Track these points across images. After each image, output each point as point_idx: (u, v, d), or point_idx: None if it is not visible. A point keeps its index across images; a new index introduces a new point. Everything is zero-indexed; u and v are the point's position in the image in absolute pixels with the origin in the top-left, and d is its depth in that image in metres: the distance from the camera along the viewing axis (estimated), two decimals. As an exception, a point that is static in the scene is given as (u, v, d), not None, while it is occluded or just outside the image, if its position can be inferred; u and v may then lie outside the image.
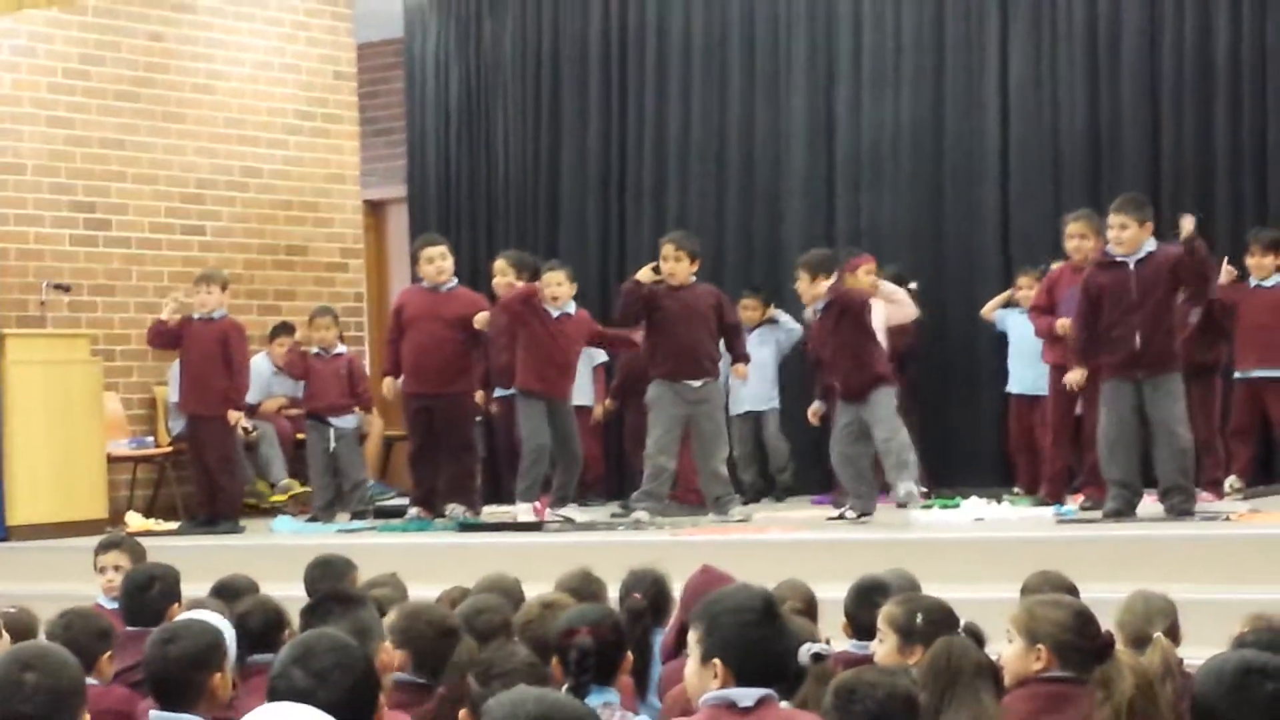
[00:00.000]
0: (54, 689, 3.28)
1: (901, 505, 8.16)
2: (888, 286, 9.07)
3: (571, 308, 8.97)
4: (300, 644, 3.07)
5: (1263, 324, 8.56)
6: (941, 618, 4.05)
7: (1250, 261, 8.73)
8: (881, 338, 8.65)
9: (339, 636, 3.09)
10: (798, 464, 10.10)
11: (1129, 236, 7.45)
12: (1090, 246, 8.22)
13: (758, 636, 3.41)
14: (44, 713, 3.25)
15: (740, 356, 8.95)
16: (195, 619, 4.01)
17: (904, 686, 3.08)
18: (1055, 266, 8.75)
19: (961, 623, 3.84)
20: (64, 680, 3.32)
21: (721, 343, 8.85)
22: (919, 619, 4.07)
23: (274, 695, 2.88)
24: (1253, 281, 8.73)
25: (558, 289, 8.85)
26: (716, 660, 3.41)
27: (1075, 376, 7.86)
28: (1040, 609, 3.83)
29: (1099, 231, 8.20)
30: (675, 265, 8.60)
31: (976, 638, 3.85)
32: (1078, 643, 3.72)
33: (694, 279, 8.69)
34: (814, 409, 9.23)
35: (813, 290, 8.39)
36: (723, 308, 8.79)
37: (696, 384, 8.56)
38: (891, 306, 8.95)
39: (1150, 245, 7.50)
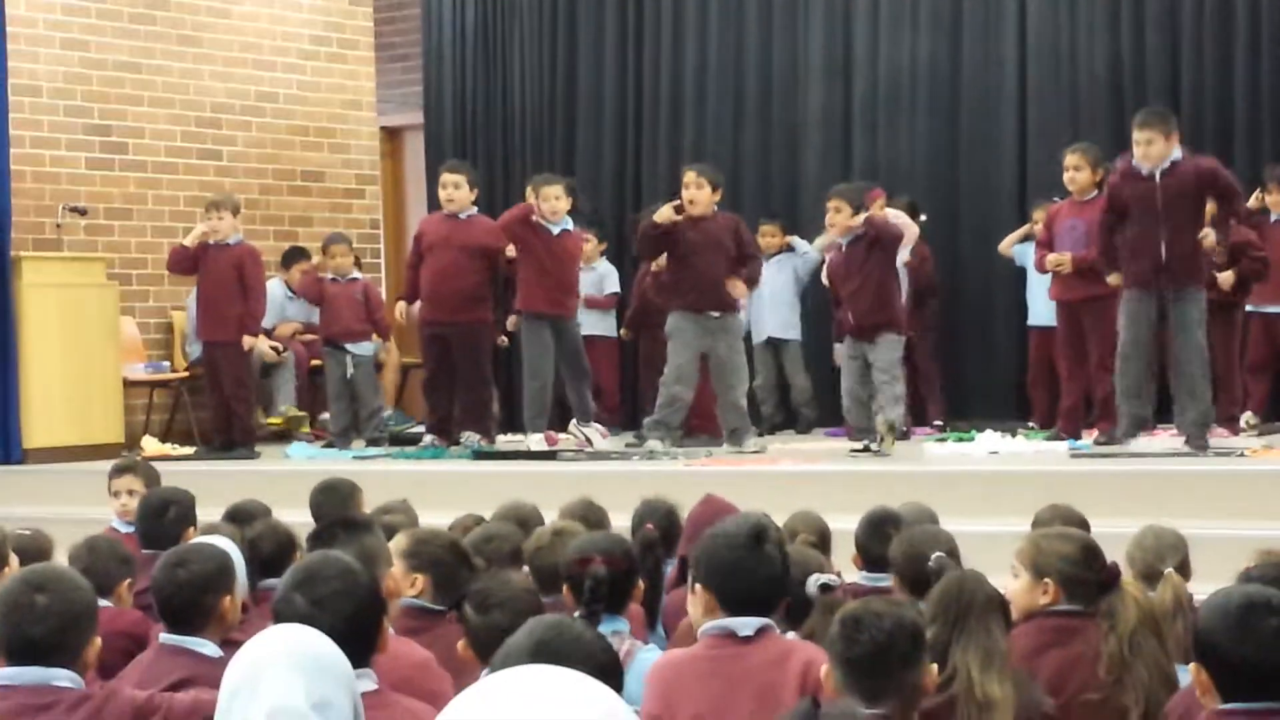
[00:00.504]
0: (65, 612, 3.29)
1: (884, 430, 8.01)
2: (891, 212, 9.07)
3: (570, 223, 8.87)
4: (303, 569, 3.07)
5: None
6: (915, 551, 4.04)
7: (1269, 200, 8.67)
8: (902, 273, 8.61)
9: (342, 561, 3.09)
10: (817, 398, 10.08)
11: (1156, 152, 7.34)
12: (1085, 179, 8.14)
13: (736, 559, 3.41)
14: (55, 634, 3.27)
15: (748, 281, 8.59)
16: (204, 543, 4.02)
17: (910, 618, 3.07)
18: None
19: (934, 555, 3.81)
20: (76, 603, 3.33)
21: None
22: (895, 550, 4.11)
23: (277, 619, 2.89)
24: (1272, 216, 8.67)
25: (555, 203, 8.71)
26: (699, 585, 3.43)
27: (1114, 279, 7.64)
28: (1046, 543, 3.82)
29: (1095, 164, 8.13)
30: (696, 193, 8.50)
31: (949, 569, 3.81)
32: (1084, 576, 3.71)
33: (715, 209, 8.64)
34: (839, 353, 9.20)
35: (851, 222, 8.37)
36: (740, 233, 8.61)
37: (717, 314, 8.51)
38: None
39: (1175, 155, 7.41)
